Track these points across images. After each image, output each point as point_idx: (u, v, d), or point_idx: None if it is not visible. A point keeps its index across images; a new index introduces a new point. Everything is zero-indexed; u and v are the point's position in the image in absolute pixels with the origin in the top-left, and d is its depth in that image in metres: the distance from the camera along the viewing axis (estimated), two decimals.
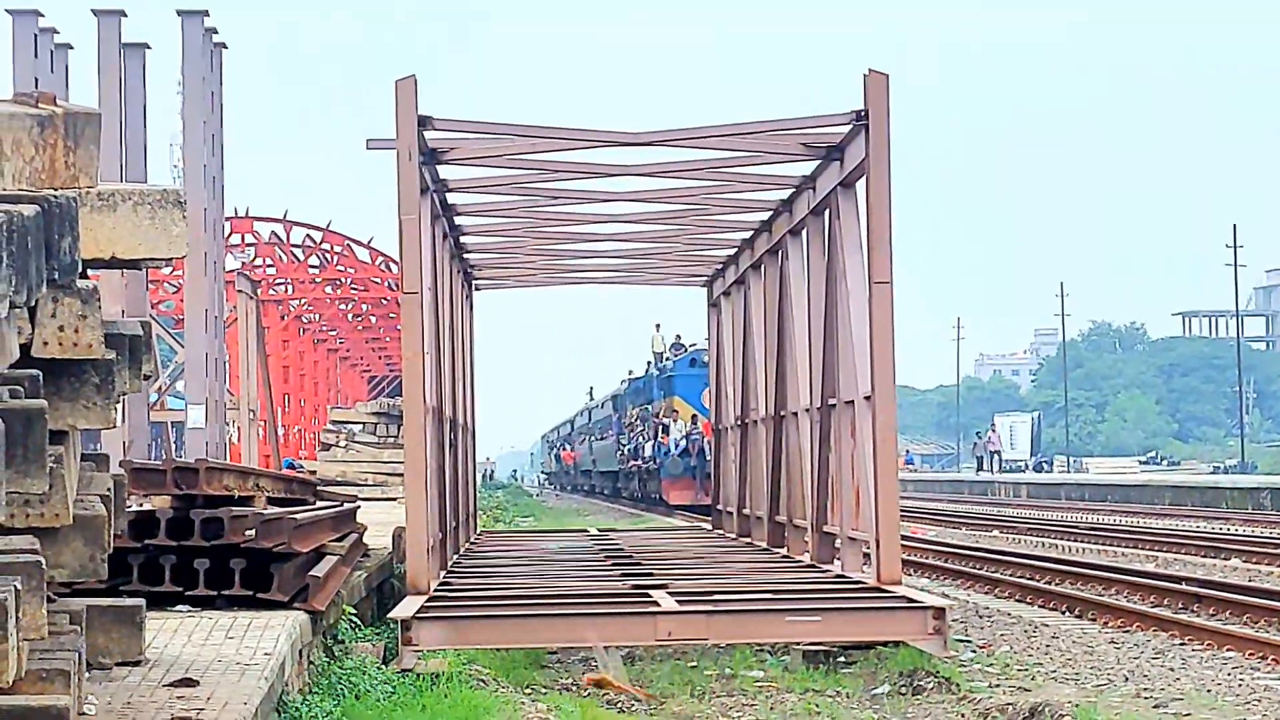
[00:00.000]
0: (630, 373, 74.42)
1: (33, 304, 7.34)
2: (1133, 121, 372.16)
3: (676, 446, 58.94)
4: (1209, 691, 15.60)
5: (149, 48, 32.75)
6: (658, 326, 66.20)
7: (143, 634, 11.76)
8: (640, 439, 65.64)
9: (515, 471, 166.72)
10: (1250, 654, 18.49)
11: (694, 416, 57.66)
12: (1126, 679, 16.49)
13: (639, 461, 65.61)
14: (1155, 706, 14.44)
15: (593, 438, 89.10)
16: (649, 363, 67.42)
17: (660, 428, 60.82)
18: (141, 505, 14.51)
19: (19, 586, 7.06)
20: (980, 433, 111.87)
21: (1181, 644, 19.71)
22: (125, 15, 32.01)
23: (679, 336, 64.29)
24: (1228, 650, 18.91)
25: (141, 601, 11.99)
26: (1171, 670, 17.22)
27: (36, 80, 34.77)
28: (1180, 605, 23.78)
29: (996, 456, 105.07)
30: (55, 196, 7.25)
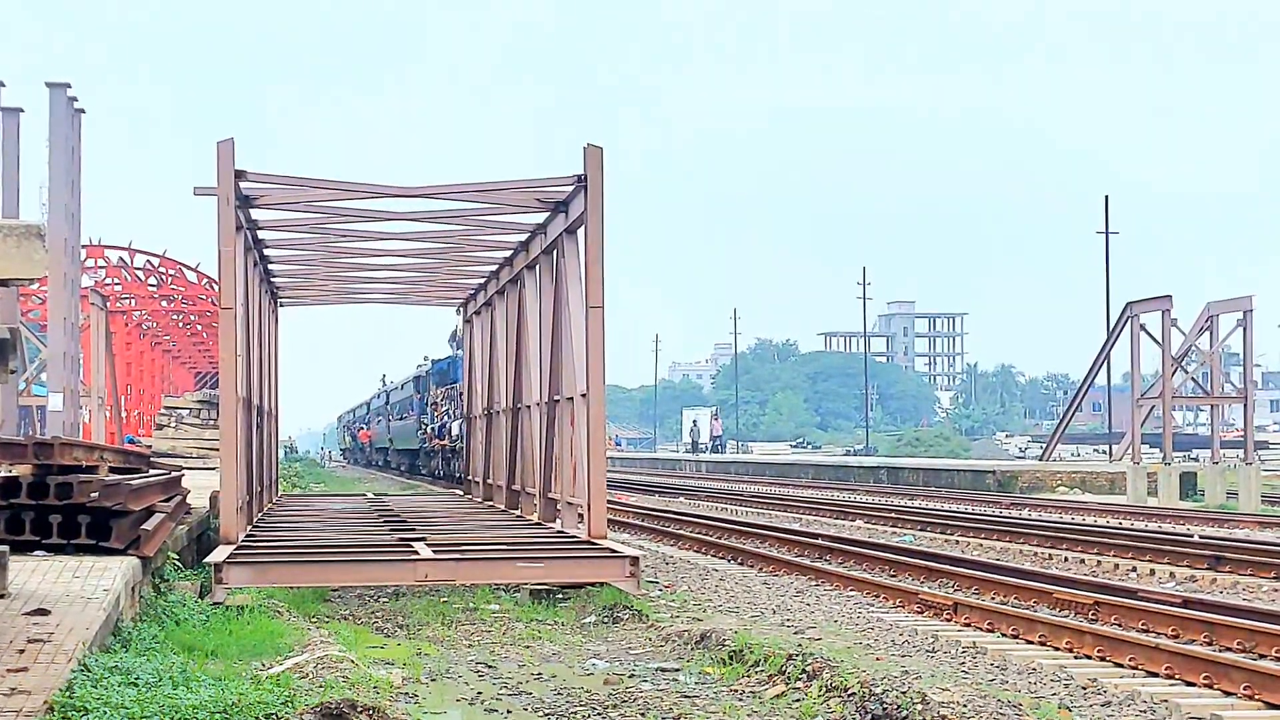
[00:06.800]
0: (426, 358, 61.48)
1: None
2: (791, 184, 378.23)
3: None
4: (836, 622, 15.90)
5: (23, 111, 31.92)
6: (458, 310, 55.52)
7: (6, 573, 11.51)
8: (446, 418, 54.30)
9: (293, 447, 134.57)
10: (868, 593, 18.89)
11: None
12: (775, 612, 16.73)
13: (444, 440, 54.44)
14: (795, 632, 14.68)
15: (391, 418, 76.23)
16: (454, 346, 54.05)
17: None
18: (9, 472, 14.15)
19: None
20: (697, 422, 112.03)
21: (817, 585, 20.07)
22: (4, 85, 31.21)
23: None
24: (851, 591, 19.29)
25: (5, 548, 11.74)
26: (808, 605, 17.50)
27: None
28: (817, 555, 24.22)
29: (715, 441, 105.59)
30: None
